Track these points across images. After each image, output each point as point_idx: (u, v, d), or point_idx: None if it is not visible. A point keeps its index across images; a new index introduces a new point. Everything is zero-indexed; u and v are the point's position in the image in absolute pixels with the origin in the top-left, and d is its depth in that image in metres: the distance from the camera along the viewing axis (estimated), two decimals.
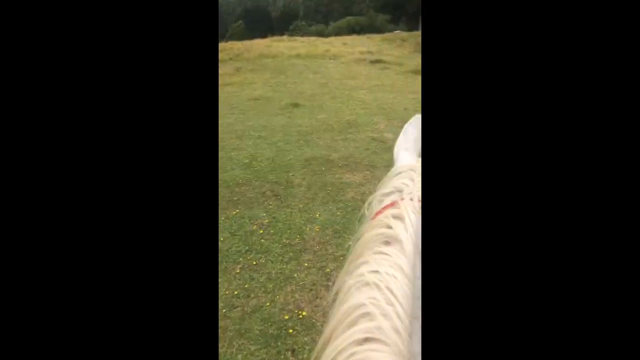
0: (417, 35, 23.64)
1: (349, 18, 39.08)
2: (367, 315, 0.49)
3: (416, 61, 13.72)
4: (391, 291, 0.50)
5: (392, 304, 0.49)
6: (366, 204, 0.73)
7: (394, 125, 6.34)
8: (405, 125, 0.91)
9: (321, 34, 27.88)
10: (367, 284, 0.53)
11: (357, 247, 0.62)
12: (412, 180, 0.69)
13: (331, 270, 2.75)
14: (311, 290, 2.56)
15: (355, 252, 0.61)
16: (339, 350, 0.48)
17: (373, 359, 0.45)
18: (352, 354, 0.46)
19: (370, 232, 0.61)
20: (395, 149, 0.86)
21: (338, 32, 28.81)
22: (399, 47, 16.63)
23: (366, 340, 0.47)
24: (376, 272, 0.53)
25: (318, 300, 2.47)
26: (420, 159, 0.80)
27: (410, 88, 9.64)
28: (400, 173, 0.73)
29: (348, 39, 20.12)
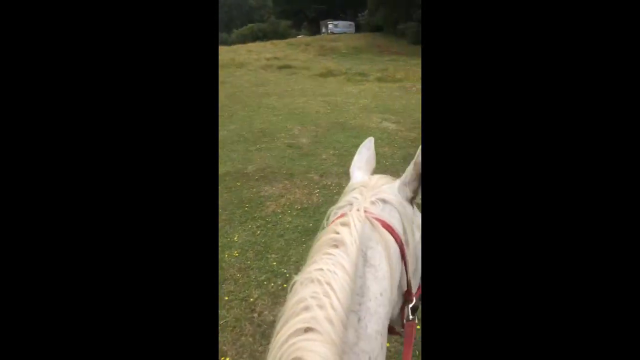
0: (319, 39, 24.28)
1: (252, 25, 38.70)
2: (307, 307, 0.54)
3: (322, 64, 13.89)
4: (330, 285, 0.56)
5: (328, 297, 0.55)
6: (325, 217, 0.80)
7: (308, 129, 6.20)
8: (360, 147, 1.02)
9: (224, 42, 27.19)
10: (312, 280, 0.58)
11: (311, 252, 0.68)
12: (362, 194, 0.78)
13: (255, 299, 2.43)
14: (234, 327, 2.21)
15: (309, 256, 0.67)
16: (281, 342, 0.52)
17: (306, 348, 0.50)
18: (291, 345, 0.51)
19: (322, 238, 0.68)
20: (351, 168, 0.97)
21: (242, 40, 28.34)
22: (304, 52, 16.76)
23: (306, 330, 0.52)
24: (320, 269, 0.59)
25: (243, 338, 2.14)
26: (371, 176, 0.92)
27: (319, 91, 9.65)
28: (353, 189, 0.82)
29: (252, 46, 19.83)
